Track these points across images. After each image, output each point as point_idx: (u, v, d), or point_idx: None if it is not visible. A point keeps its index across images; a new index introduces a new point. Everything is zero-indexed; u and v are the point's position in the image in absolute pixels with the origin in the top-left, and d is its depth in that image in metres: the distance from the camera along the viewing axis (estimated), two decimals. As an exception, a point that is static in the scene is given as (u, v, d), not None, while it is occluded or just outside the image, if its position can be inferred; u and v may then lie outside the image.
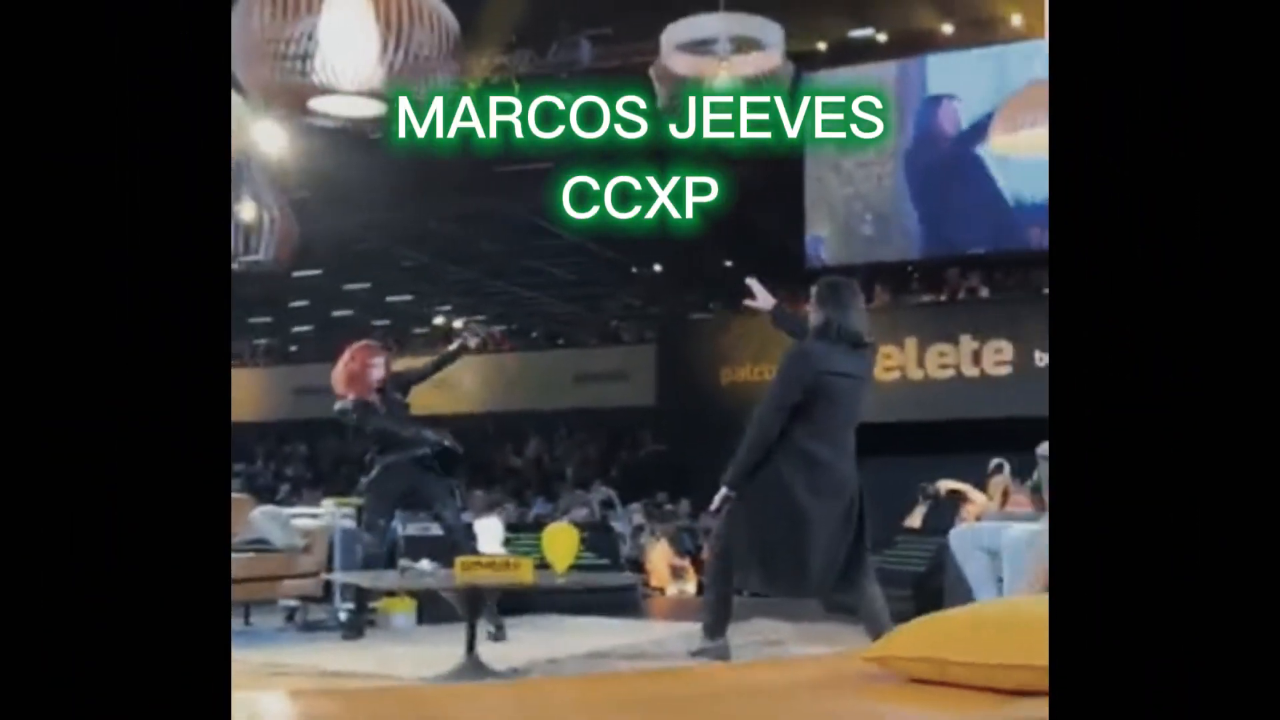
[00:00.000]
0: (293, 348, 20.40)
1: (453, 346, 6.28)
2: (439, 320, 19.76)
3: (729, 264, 17.01)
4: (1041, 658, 2.01)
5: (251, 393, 15.67)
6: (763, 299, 4.67)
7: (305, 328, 21.97)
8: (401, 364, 6.55)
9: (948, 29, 12.01)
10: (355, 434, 5.94)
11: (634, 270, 18.51)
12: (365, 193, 12.80)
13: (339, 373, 5.83)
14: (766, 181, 13.43)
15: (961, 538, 5.42)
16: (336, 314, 21.38)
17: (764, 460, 4.16)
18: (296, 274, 18.60)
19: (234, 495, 7.00)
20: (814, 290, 4.36)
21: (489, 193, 15.64)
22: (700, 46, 3.92)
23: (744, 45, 3.91)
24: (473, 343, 6.23)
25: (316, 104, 3.96)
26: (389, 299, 21.73)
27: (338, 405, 5.90)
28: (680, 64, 3.90)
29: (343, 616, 6.11)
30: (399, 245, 18.09)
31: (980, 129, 11.62)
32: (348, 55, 3.68)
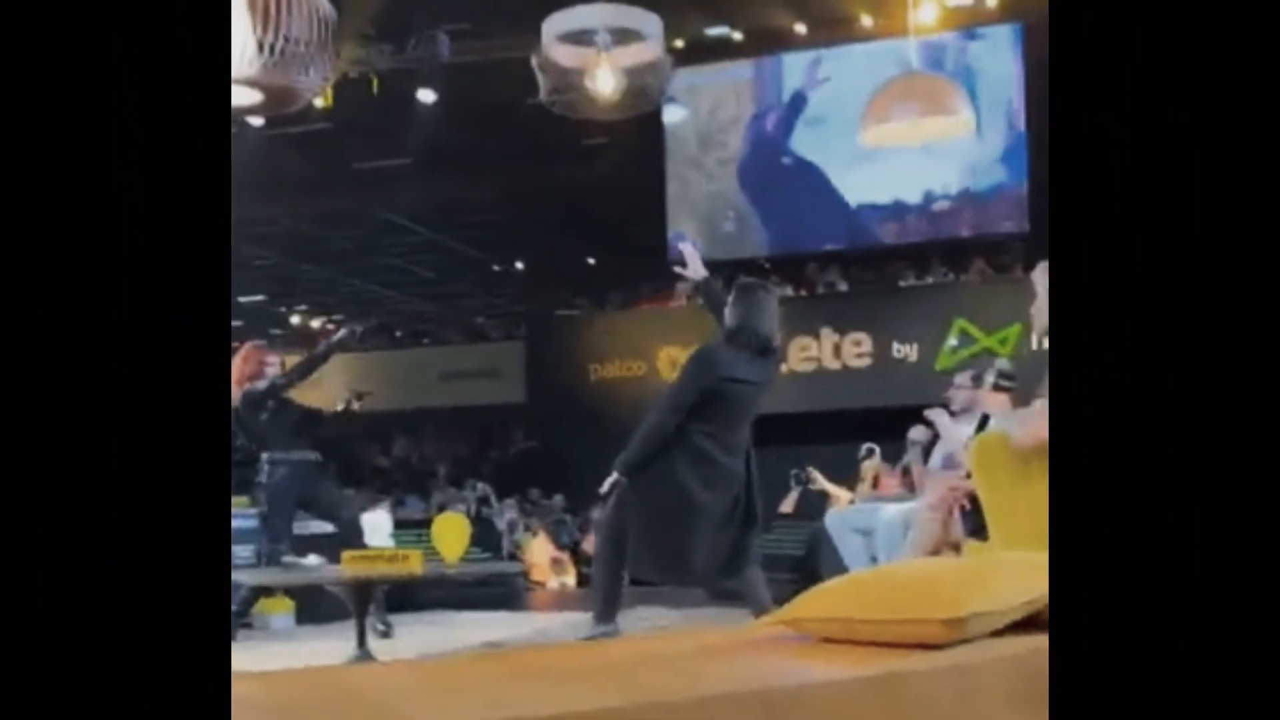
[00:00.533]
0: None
1: (331, 340, 6.24)
2: (295, 320, 19.39)
3: (591, 261, 17.16)
4: (938, 612, 2.15)
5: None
6: (694, 268, 4.76)
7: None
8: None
9: (800, 28, 12.28)
10: (255, 435, 5.85)
11: (495, 268, 18.51)
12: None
13: (235, 372, 5.76)
14: (627, 176, 13.68)
15: (836, 520, 5.63)
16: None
17: (658, 453, 4.28)
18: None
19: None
20: (731, 292, 4.49)
21: (344, 190, 15.48)
22: (580, 37, 3.97)
23: (623, 37, 3.97)
24: (347, 335, 6.19)
25: (191, 93, 3.88)
26: (241, 299, 21.22)
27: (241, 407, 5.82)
28: (562, 55, 3.95)
29: (217, 621, 6.01)
30: (250, 244, 17.71)
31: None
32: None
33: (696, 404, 4.28)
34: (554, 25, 3.93)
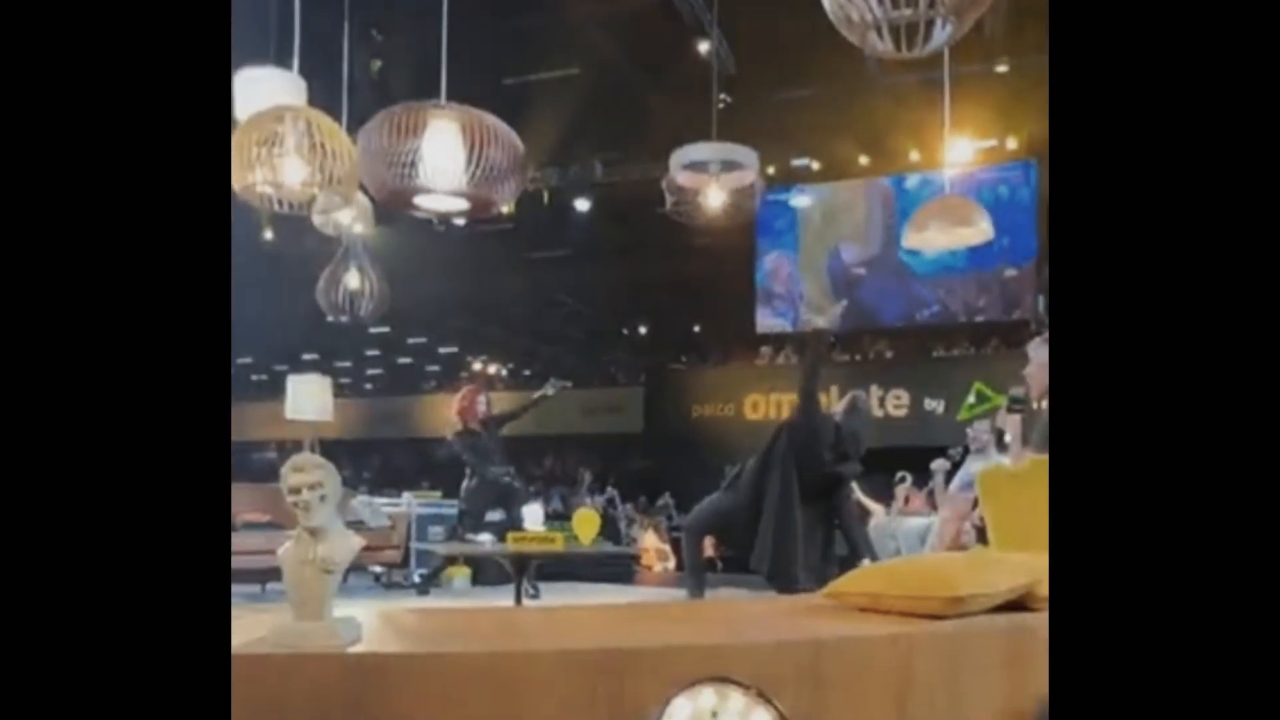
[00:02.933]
0: (368, 387, 20.44)
1: (536, 395, 6.53)
2: (477, 366, 19.84)
3: (696, 329, 17.26)
4: (943, 591, 2.17)
5: (341, 418, 15.71)
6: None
7: (377, 371, 22.03)
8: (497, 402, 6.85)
9: (864, 160, 12.29)
10: (467, 457, 6.15)
11: (624, 331, 18.74)
12: (425, 271, 12.96)
13: (455, 406, 6.11)
14: (723, 268, 13.82)
15: (875, 530, 5.62)
16: (401, 361, 21.45)
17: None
18: (372, 330, 18.79)
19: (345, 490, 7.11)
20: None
21: (519, 273, 15.91)
22: (697, 166, 4.10)
23: (729, 166, 4.09)
24: (551, 392, 6.53)
25: (420, 201, 4.14)
26: (440, 350, 21.84)
27: (450, 433, 6.15)
28: (682, 177, 4.08)
29: (417, 579, 6.21)
30: (449, 310, 18.29)
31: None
32: (442, 165, 3.86)
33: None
34: (679, 157, 4.07)
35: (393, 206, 4.52)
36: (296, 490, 1.83)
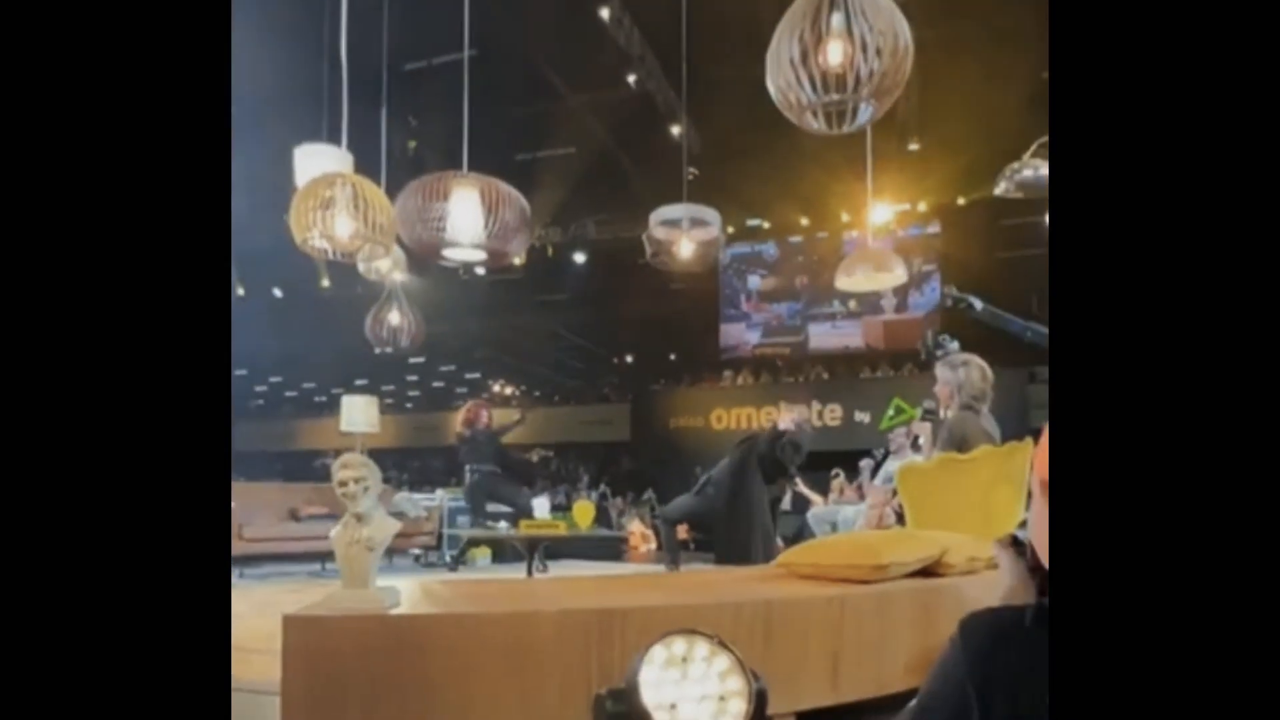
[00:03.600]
0: (408, 405, 20.31)
1: (515, 420, 6.53)
2: (496, 388, 19.77)
3: (672, 357, 17.27)
4: (869, 560, 2.17)
5: (386, 431, 15.60)
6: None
7: (415, 393, 21.90)
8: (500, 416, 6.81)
9: (805, 221, 12.38)
10: (463, 455, 6.10)
11: (614, 360, 18.74)
12: (452, 312, 12.95)
13: (461, 417, 6.07)
14: (694, 304, 13.90)
15: (814, 516, 5.61)
16: (434, 384, 21.34)
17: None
18: (410, 360, 18.71)
19: (387, 487, 7.07)
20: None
21: (528, 313, 15.94)
22: (670, 223, 4.12)
23: (696, 223, 4.10)
24: (519, 418, 6.53)
25: (447, 252, 4.14)
26: (466, 375, 21.75)
27: (455, 437, 6.10)
28: (659, 232, 4.10)
29: (448, 559, 6.15)
30: (473, 343, 18.26)
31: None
32: (465, 223, 3.86)
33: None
34: (656, 215, 4.08)
35: (425, 257, 4.52)
36: (344, 483, 1.83)
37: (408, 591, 2.02)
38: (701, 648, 1.41)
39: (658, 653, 1.40)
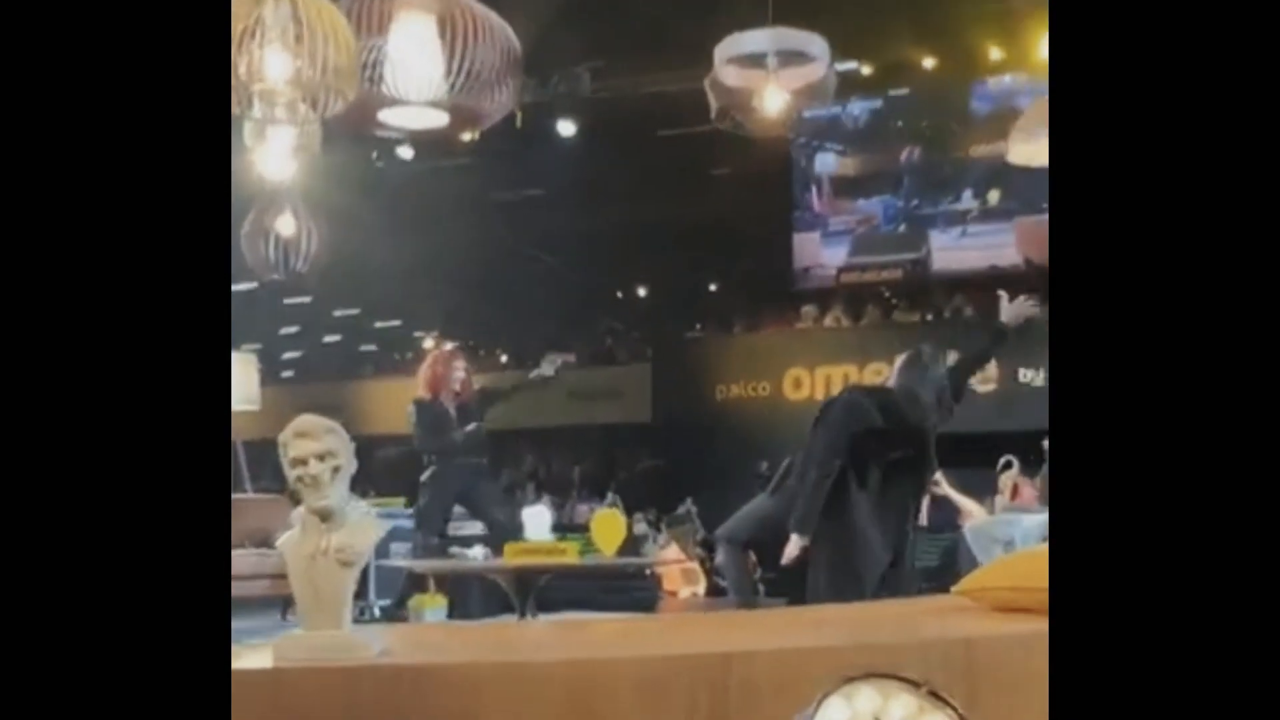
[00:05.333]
0: (285, 373, 20.43)
1: (532, 374, 6.53)
2: (428, 344, 19.87)
3: (713, 287, 17.29)
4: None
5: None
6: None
7: (294, 352, 22.01)
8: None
9: (929, 63, 12.27)
10: (422, 439, 6.10)
11: (620, 295, 18.76)
12: (355, 222, 12.80)
13: (423, 375, 6.07)
14: (749, 203, 13.82)
15: (978, 532, 5.68)
16: (327, 339, 21.43)
17: None
18: (287, 301, 18.79)
19: (273, 496, 7.16)
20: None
21: (480, 221, 15.90)
22: (749, 60, 4.12)
23: (791, 59, 4.10)
24: (551, 373, 6.50)
25: (386, 115, 4.14)
26: (377, 324, 21.81)
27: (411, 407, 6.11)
28: (732, 76, 4.11)
29: (377, 612, 6.27)
30: (391, 271, 18.25)
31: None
32: (414, 70, 3.86)
33: None
34: (725, 49, 4.09)
35: (350, 126, 4.51)
36: (303, 461, 1.87)
37: (382, 637, 2.08)
38: (904, 701, 1.46)
39: (836, 708, 1.45)
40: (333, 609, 1.84)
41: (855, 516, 4.52)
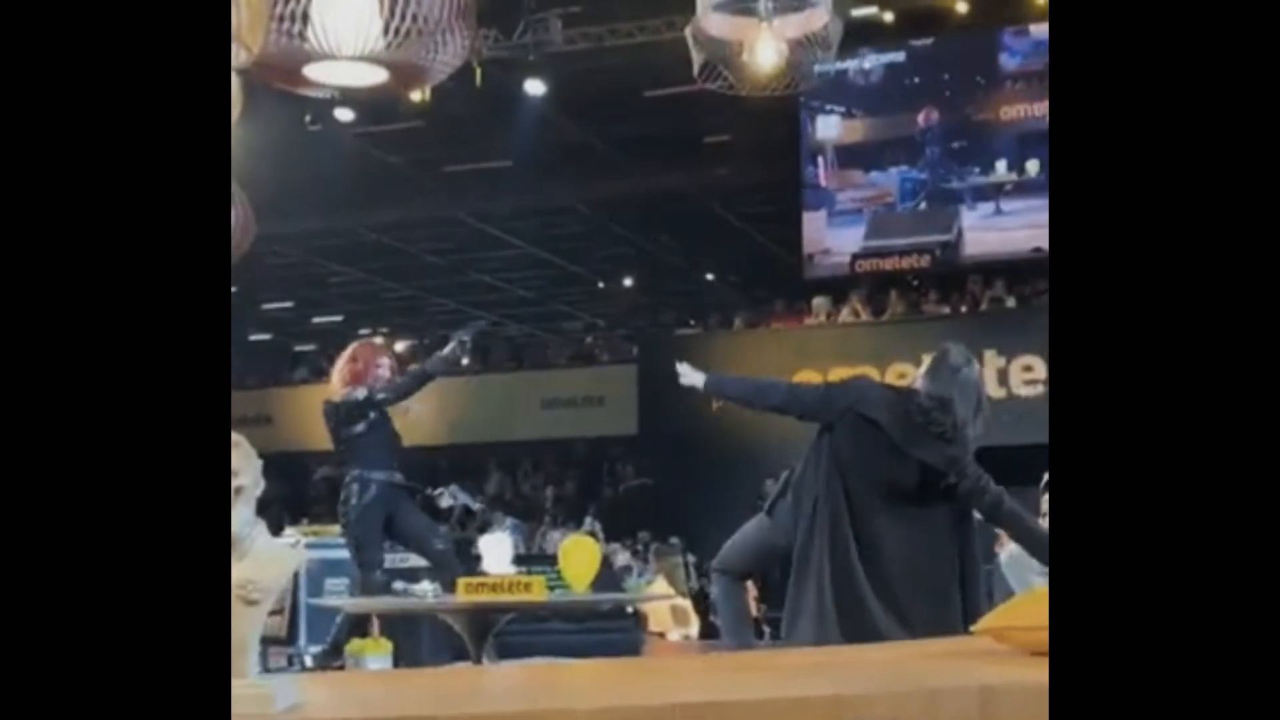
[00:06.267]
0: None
1: (435, 356, 6.43)
2: (378, 342, 19.92)
3: (710, 276, 17.35)
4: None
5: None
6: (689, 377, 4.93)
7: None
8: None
9: (962, 6, 12.23)
10: (344, 449, 6.04)
11: (601, 285, 18.81)
12: (287, 197, 12.64)
13: (340, 371, 5.99)
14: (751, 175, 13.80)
15: (1015, 562, 5.67)
16: (253, 338, 21.42)
17: None
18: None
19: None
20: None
21: (434, 196, 15.85)
22: (739, 6, 4.11)
23: (786, 3, 4.09)
24: (466, 339, 6.38)
25: (312, 71, 4.14)
26: (316, 320, 21.84)
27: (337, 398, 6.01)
28: (717, 25, 4.09)
29: (308, 660, 6.27)
30: (326, 258, 18.25)
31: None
32: (346, 19, 3.86)
33: None
34: (708, -7, 4.08)
35: (273, 82, 4.52)
36: (199, 482, 1.88)
37: (303, 688, 2.08)
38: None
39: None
40: (234, 654, 1.83)
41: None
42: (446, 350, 6.27)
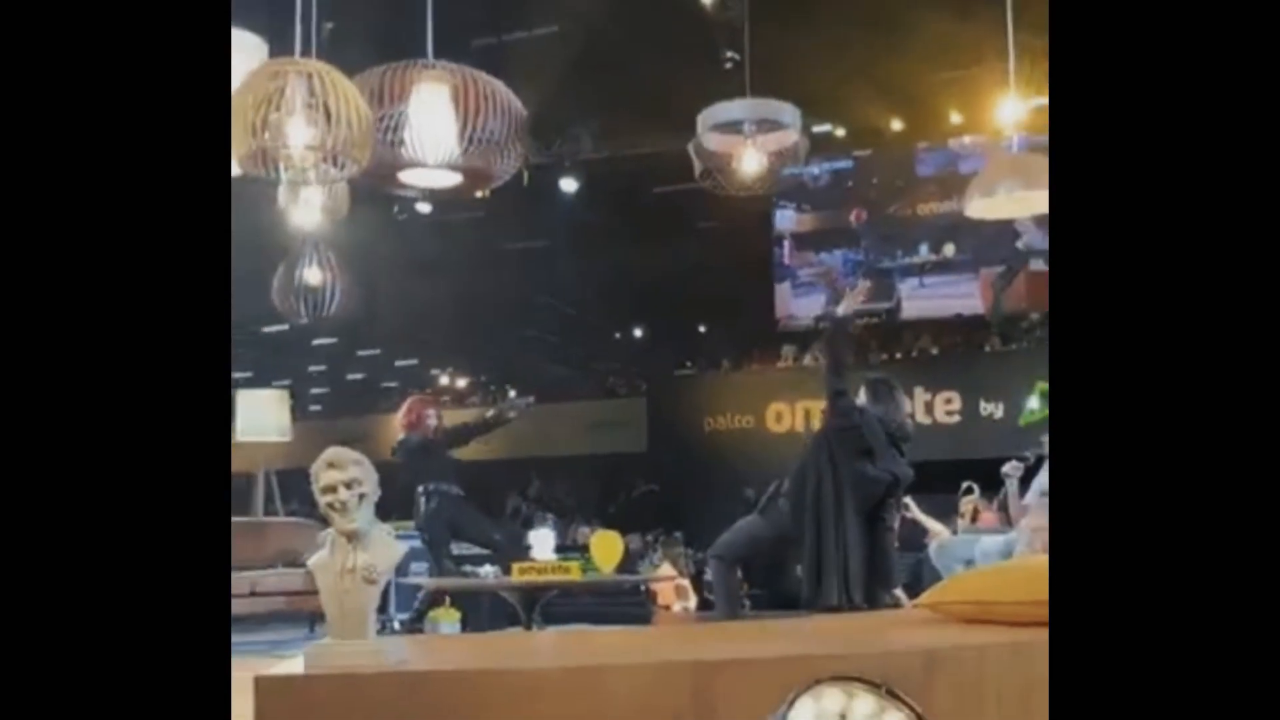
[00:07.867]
0: (314, 406, 20.44)
1: (494, 413, 6.62)
2: (444, 380, 19.88)
3: (702, 329, 17.31)
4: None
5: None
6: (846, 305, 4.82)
7: (322, 389, 22.01)
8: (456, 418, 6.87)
9: (897, 125, 12.28)
10: (409, 472, 6.22)
11: (618, 335, 18.82)
12: (379, 269, 12.78)
13: (400, 420, 6.17)
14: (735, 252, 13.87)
15: (942, 552, 5.69)
16: (350, 376, 21.43)
17: None
18: (316, 342, 18.80)
19: (301, 520, 7.18)
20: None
21: (491, 269, 15.91)
22: (729, 127, 4.18)
23: (766, 126, 4.16)
24: (511, 415, 6.61)
25: (406, 176, 4.20)
26: (397, 362, 21.81)
27: (394, 447, 6.19)
28: (713, 141, 4.16)
29: (397, 625, 6.27)
30: (409, 314, 18.26)
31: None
32: (430, 135, 3.92)
33: None
34: (708, 117, 4.15)
35: (376, 184, 4.56)
36: (332, 489, 1.91)
37: (402, 647, 2.10)
38: (865, 702, 1.48)
39: (805, 708, 1.48)
40: (358, 621, 1.86)
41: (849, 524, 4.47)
42: (506, 413, 6.50)
